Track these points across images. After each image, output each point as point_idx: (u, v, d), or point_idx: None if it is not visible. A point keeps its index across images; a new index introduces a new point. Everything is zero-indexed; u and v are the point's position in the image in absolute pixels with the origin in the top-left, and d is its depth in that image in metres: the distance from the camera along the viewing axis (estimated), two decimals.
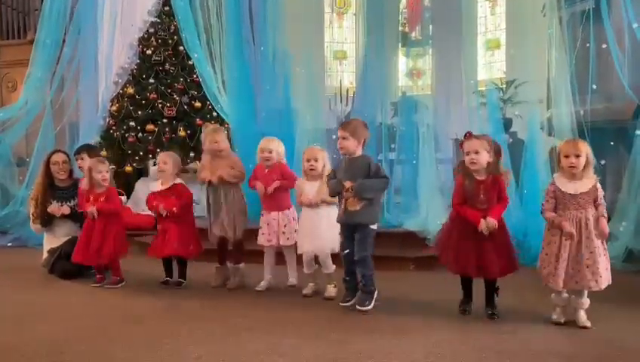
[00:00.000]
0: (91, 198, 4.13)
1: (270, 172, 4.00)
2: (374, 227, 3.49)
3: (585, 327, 3.03)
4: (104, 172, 4.14)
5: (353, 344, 2.83)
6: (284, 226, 3.97)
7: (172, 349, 2.76)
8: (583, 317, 3.09)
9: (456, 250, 3.25)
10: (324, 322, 3.22)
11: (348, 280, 3.54)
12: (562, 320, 3.11)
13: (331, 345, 2.80)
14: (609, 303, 3.40)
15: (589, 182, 3.06)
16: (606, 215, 3.08)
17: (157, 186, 4.19)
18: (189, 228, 4.14)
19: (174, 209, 4.02)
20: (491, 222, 3.14)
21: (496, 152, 3.26)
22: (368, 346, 2.80)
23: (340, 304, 3.49)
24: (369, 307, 3.37)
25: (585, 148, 3.06)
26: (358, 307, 3.37)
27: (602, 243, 3.06)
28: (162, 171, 4.14)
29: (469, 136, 3.25)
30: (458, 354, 2.68)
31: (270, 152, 3.98)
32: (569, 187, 3.05)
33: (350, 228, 3.48)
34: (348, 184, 3.41)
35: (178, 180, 4.18)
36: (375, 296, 3.43)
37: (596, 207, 3.05)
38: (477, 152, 3.17)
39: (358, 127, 3.50)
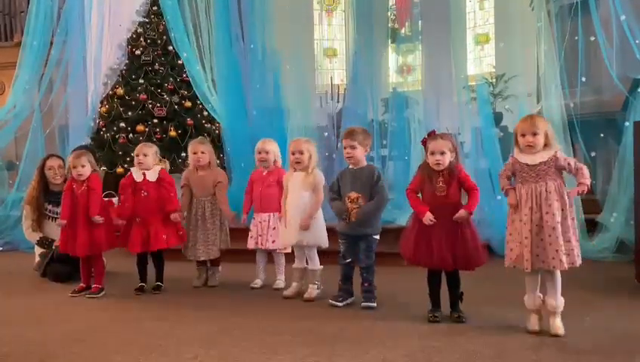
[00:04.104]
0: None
1: (268, 174, 4.03)
2: (377, 236, 3.51)
3: (557, 335, 2.76)
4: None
5: (349, 340, 2.83)
6: (273, 229, 3.95)
7: (167, 350, 2.74)
8: (558, 323, 2.81)
9: (415, 243, 3.15)
10: (318, 318, 3.22)
11: (343, 284, 3.55)
12: (537, 329, 2.88)
13: (326, 341, 2.80)
14: (601, 293, 3.43)
15: (549, 152, 2.85)
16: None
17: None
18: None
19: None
20: (464, 213, 3.04)
21: (453, 150, 3.15)
22: (365, 341, 2.80)
23: (330, 301, 3.48)
24: (375, 303, 3.42)
25: (543, 125, 2.85)
26: (365, 305, 3.39)
27: (569, 219, 2.82)
28: (141, 163, 4.11)
29: (434, 135, 3.15)
30: (453, 346, 2.69)
31: (267, 153, 4.02)
32: (527, 158, 2.88)
33: (353, 239, 3.49)
34: (354, 195, 3.39)
35: (159, 167, 4.12)
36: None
37: (576, 171, 2.82)
38: (442, 153, 3.07)
39: (365, 136, 3.50)
